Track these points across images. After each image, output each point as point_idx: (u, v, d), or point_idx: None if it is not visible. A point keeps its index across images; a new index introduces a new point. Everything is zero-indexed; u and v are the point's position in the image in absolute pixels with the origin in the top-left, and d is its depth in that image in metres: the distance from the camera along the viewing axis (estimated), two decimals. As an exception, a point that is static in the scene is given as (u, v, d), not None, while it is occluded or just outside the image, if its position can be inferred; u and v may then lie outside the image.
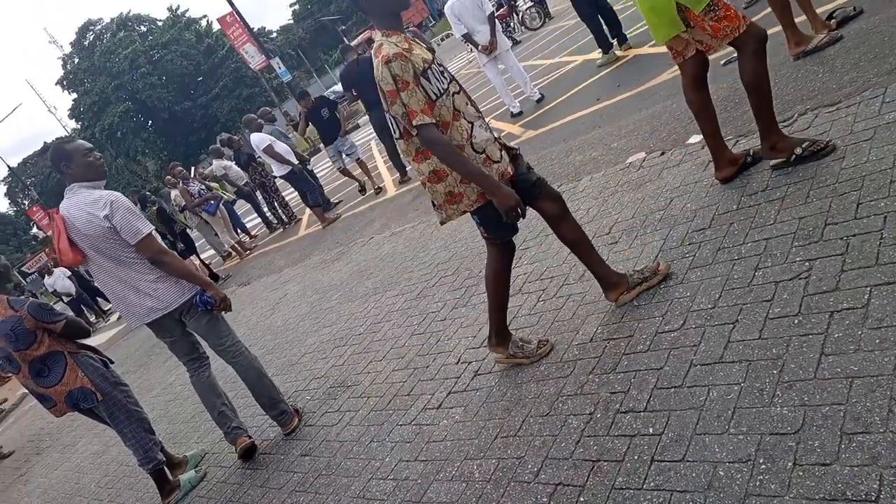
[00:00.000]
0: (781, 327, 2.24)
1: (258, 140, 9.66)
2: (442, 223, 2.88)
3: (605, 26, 7.78)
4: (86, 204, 3.42)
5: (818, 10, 4.55)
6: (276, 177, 10.53)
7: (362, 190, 9.93)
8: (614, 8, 7.83)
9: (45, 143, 63.87)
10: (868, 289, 2.15)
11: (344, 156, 9.79)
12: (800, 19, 4.40)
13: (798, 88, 3.94)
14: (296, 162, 9.68)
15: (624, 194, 4.06)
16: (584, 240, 2.92)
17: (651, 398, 2.32)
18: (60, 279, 15.57)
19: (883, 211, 2.44)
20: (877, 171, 2.69)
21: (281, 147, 9.62)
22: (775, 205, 2.93)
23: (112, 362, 4.18)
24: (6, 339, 3.83)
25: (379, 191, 9.39)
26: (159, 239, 3.63)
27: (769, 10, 4.38)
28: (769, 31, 4.97)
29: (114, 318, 15.59)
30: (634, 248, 3.36)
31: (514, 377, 2.96)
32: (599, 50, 7.97)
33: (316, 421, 3.82)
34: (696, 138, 4.13)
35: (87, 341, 4.16)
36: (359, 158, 9.76)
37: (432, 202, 2.81)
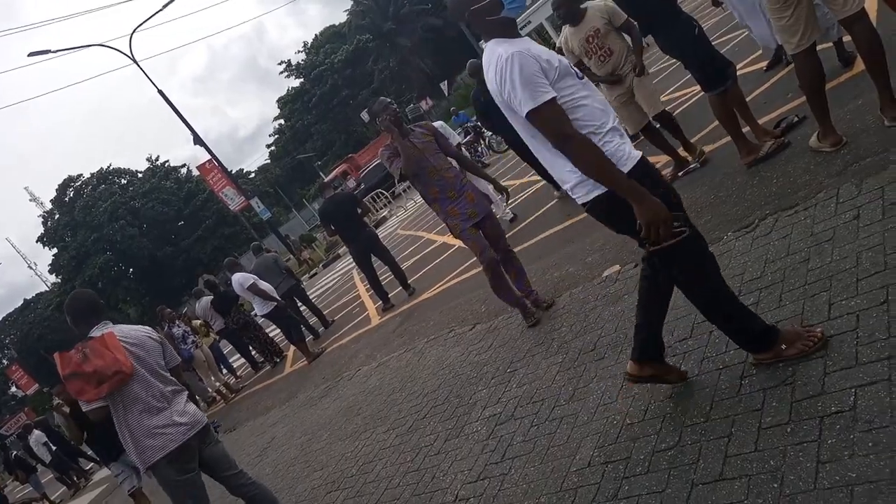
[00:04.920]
0: (775, 437, 2.22)
1: (242, 279, 9.73)
2: None
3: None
4: (132, 328, 3.79)
5: (762, 120, 4.86)
6: (257, 315, 10.52)
7: None
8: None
9: (24, 299, 63.58)
10: (853, 390, 2.17)
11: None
12: (745, 129, 4.68)
13: (756, 194, 4.12)
14: (279, 299, 9.75)
15: (604, 309, 4.11)
16: None
17: (656, 524, 2.25)
18: (37, 445, 14.96)
19: (854, 310, 2.50)
20: (843, 271, 2.77)
21: (265, 285, 9.74)
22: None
23: None
24: None
25: None
26: None
27: (717, 123, 4.66)
28: (722, 142, 5.22)
29: (96, 477, 14.90)
30: (621, 364, 3.35)
31: (515, 511, 2.86)
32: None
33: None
34: (667, 248, 4.24)
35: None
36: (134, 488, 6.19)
37: None
